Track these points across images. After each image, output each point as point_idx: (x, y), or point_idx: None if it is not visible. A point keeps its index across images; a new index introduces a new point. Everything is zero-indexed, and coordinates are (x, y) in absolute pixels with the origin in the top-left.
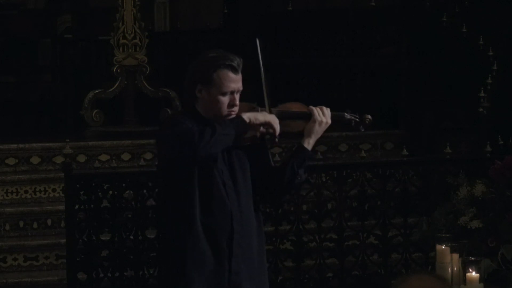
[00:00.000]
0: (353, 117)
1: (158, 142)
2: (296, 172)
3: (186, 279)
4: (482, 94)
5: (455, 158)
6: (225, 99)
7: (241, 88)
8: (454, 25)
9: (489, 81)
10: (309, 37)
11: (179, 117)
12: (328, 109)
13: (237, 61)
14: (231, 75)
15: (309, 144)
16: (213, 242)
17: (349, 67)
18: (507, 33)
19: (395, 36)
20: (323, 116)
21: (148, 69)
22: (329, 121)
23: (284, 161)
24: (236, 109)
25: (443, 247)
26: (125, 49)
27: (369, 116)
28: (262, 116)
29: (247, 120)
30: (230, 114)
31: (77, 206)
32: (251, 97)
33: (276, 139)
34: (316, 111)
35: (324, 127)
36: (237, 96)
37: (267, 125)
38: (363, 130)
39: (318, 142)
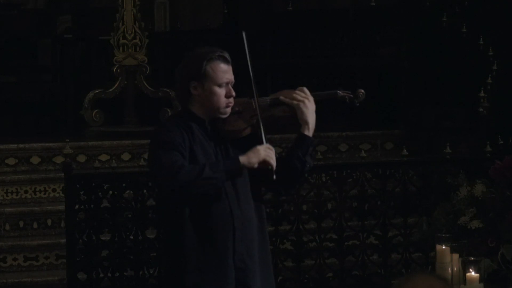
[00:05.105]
0: (346, 94)
1: (148, 157)
2: (304, 161)
3: (193, 279)
4: (482, 94)
5: (455, 158)
6: (222, 91)
7: (233, 80)
8: (454, 25)
9: (489, 81)
10: (309, 37)
11: (172, 128)
12: (305, 88)
13: (226, 53)
14: (223, 66)
15: (309, 130)
16: (216, 241)
17: (349, 67)
18: (507, 33)
19: (395, 36)
20: (304, 96)
21: (148, 69)
22: (312, 97)
23: (288, 152)
24: (232, 100)
25: (443, 247)
26: (125, 49)
27: (362, 90)
28: (256, 158)
29: (241, 165)
30: (228, 106)
31: (77, 206)
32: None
33: (274, 176)
34: (296, 94)
35: (312, 105)
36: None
37: (263, 163)
38: (357, 104)
39: (318, 142)
